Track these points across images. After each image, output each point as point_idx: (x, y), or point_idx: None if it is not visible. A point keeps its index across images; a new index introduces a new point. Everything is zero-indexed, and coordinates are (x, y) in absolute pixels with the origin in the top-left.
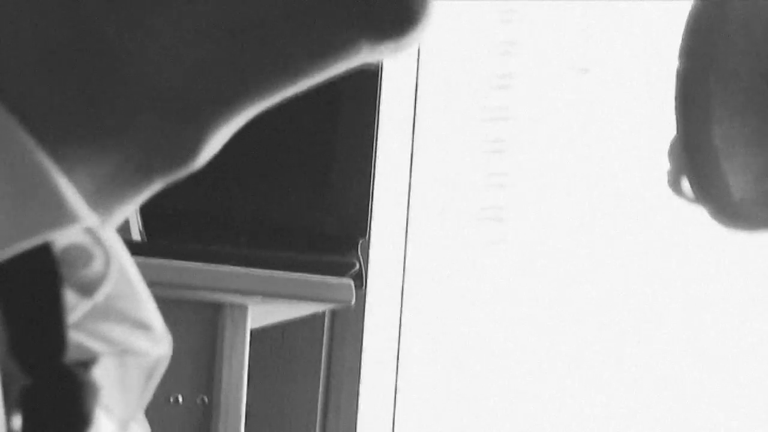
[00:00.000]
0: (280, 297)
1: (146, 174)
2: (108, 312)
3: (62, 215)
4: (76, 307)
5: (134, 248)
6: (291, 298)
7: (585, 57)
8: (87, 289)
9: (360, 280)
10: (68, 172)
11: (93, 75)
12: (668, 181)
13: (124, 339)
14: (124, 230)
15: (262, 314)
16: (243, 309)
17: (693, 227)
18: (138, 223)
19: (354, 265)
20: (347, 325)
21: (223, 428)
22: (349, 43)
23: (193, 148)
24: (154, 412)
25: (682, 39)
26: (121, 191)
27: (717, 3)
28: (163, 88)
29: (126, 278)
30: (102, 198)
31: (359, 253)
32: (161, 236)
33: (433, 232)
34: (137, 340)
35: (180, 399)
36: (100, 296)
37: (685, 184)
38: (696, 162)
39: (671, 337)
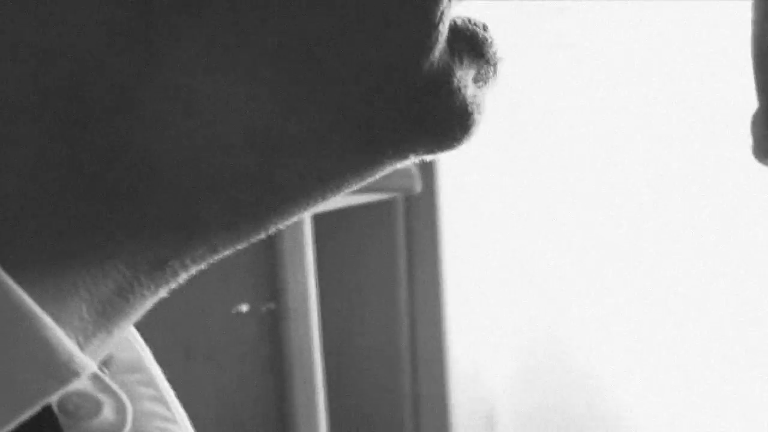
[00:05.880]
0: None
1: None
2: None
3: (55, 373)
4: None
5: None
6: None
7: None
8: None
9: None
10: (56, 303)
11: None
12: (753, 149)
13: None
14: None
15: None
16: None
17: None
18: None
19: None
20: (422, 211)
21: (295, 335)
22: (394, 155)
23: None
24: (218, 326)
25: None
26: (134, 300)
27: None
28: (176, 198)
29: (151, 413)
30: (107, 317)
31: None
32: None
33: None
34: None
35: (244, 309)
36: None
37: None
38: None
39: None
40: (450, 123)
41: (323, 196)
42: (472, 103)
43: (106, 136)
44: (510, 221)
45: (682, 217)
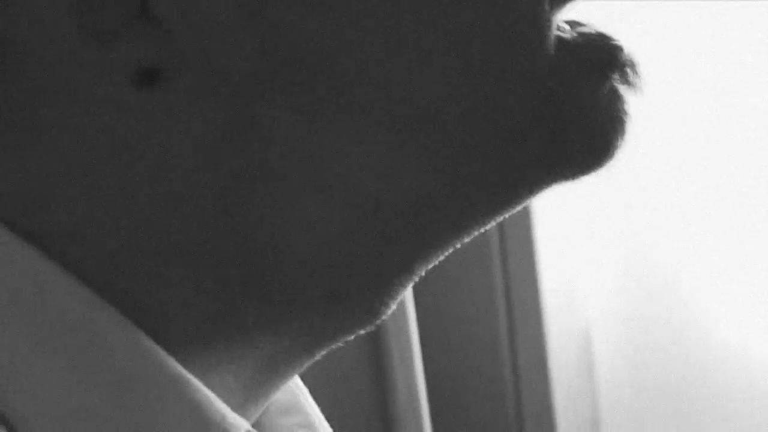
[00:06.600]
0: None
1: (311, 349)
2: None
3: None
4: None
5: None
6: None
7: None
8: None
9: None
10: (207, 377)
11: (238, 265)
12: None
13: None
14: None
15: None
16: None
17: None
18: None
19: None
20: None
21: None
22: (529, 186)
23: (366, 313)
24: None
25: None
26: (284, 369)
27: None
28: (319, 266)
29: None
30: (256, 386)
31: None
32: None
33: None
34: None
35: None
36: None
37: None
38: None
39: None
40: (590, 145)
41: (461, 240)
42: (610, 118)
43: (246, 228)
44: None
45: None
